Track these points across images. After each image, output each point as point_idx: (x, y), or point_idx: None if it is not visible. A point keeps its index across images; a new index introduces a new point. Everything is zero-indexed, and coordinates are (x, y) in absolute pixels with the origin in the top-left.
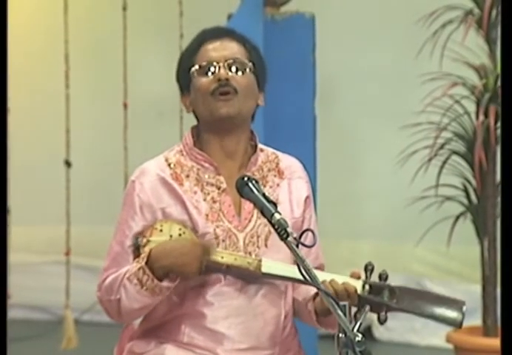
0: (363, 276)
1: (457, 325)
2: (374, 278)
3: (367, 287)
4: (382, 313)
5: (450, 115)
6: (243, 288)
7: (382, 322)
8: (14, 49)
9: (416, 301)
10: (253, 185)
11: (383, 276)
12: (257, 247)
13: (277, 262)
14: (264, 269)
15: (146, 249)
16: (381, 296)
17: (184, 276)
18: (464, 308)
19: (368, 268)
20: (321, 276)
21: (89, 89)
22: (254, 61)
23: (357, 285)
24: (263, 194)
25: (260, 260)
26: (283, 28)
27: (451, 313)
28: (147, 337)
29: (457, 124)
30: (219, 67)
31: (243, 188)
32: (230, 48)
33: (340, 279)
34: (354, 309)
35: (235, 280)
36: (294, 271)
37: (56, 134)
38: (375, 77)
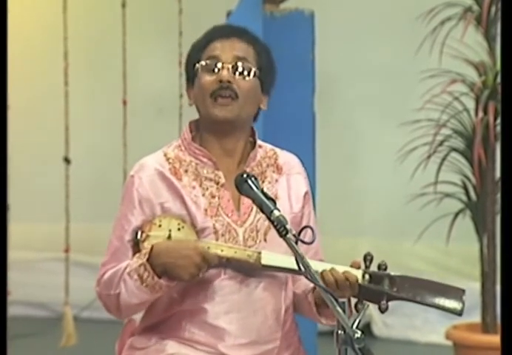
0: (363, 266)
1: (458, 313)
2: (373, 270)
3: (367, 276)
4: (383, 302)
5: (449, 112)
6: (244, 282)
7: (383, 310)
8: (13, 47)
9: (417, 289)
10: (252, 182)
11: (382, 267)
12: (257, 241)
13: (276, 254)
14: (264, 261)
15: (146, 244)
16: (381, 285)
17: (177, 278)
18: (464, 296)
19: (368, 258)
20: (321, 265)
21: (88, 86)
22: (261, 64)
23: (357, 274)
24: (262, 191)
25: (259, 253)
26: (282, 25)
27: (452, 302)
28: (148, 333)
29: (456, 121)
30: (223, 68)
31: (242, 185)
32: (238, 49)
33: (340, 268)
34: (354, 301)
35: (235, 274)
36: (293, 263)
37: (55, 131)
38: (374, 74)
